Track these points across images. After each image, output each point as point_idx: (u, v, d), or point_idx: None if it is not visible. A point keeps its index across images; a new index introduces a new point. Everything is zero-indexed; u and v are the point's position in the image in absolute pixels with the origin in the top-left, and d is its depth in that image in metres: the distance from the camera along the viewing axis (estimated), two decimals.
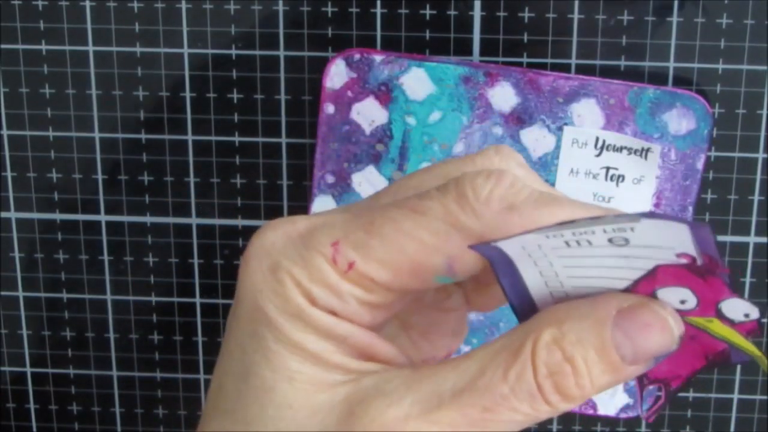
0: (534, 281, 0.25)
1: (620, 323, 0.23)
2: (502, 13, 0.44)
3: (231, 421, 0.25)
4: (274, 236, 0.25)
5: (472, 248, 0.24)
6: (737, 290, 0.23)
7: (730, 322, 0.23)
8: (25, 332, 0.50)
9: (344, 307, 0.25)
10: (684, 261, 0.23)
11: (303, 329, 0.24)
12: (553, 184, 0.45)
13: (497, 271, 0.25)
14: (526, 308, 0.25)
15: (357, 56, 0.44)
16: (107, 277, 0.49)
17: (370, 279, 0.25)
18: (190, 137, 0.47)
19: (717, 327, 0.24)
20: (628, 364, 0.23)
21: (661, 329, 0.23)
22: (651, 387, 0.25)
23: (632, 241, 0.22)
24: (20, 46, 0.46)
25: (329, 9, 0.45)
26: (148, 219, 0.48)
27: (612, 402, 0.47)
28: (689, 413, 0.48)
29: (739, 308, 0.23)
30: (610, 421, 0.48)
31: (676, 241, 0.22)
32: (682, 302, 0.23)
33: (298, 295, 0.24)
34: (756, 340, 0.47)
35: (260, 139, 0.46)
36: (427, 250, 0.24)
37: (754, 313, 0.23)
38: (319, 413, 0.24)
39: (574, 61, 0.44)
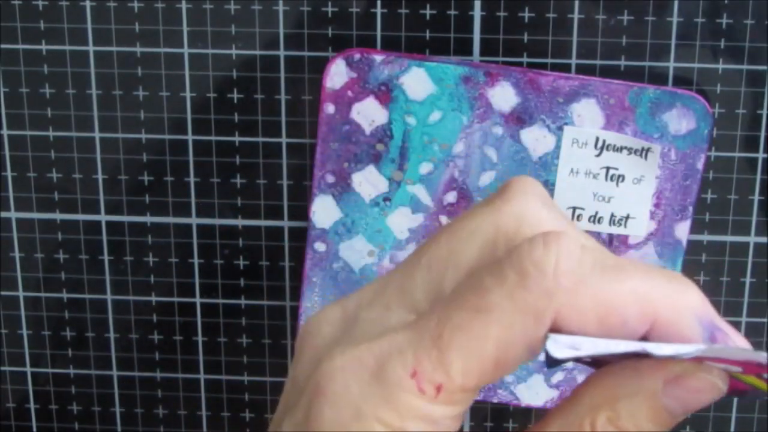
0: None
1: (670, 392, 0.24)
2: (502, 13, 0.44)
3: None
4: (345, 380, 0.24)
5: (554, 365, 0.24)
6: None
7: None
8: (25, 332, 0.50)
9: (438, 428, 0.24)
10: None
11: None
12: (553, 184, 0.45)
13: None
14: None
15: (357, 56, 0.44)
16: (107, 277, 0.49)
17: (459, 391, 0.24)
18: (190, 137, 0.47)
19: (754, 380, 0.25)
20: (677, 418, 0.24)
21: (710, 391, 0.24)
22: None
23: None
24: (20, 46, 0.46)
25: (329, 9, 0.45)
26: (148, 219, 0.48)
27: None
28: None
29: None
30: None
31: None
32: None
33: None
34: (756, 339, 0.48)
35: (260, 139, 0.46)
36: (506, 345, 0.24)
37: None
38: None
39: (574, 61, 0.44)
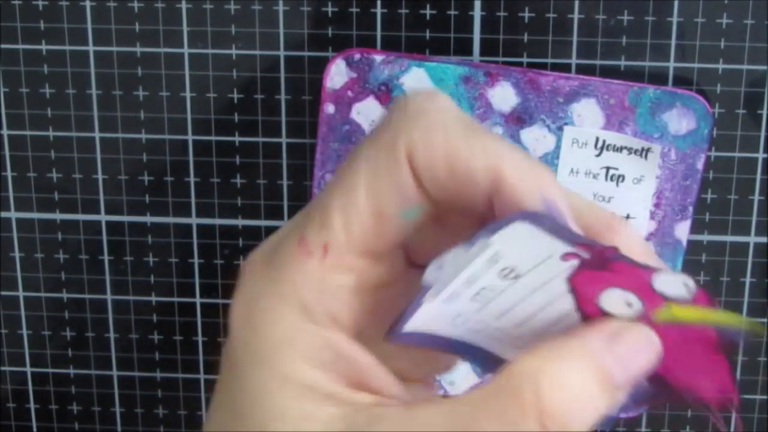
0: (475, 336, 0.25)
1: (611, 352, 0.23)
2: (502, 13, 0.44)
3: None
4: (250, 271, 0.25)
5: (393, 340, 0.24)
6: (636, 263, 0.23)
7: (684, 301, 0.23)
8: (25, 332, 0.50)
9: (338, 304, 0.24)
10: (575, 262, 0.23)
11: (294, 358, 0.24)
12: None
13: (434, 346, 0.25)
14: (481, 358, 0.26)
15: (357, 56, 0.44)
16: (107, 277, 0.49)
17: (346, 251, 0.24)
18: (190, 137, 0.47)
19: (680, 312, 0.24)
20: (622, 386, 0.24)
21: (649, 347, 0.24)
22: (722, 413, 0.26)
23: (517, 269, 0.23)
24: (20, 46, 0.46)
25: (329, 9, 0.45)
26: (148, 219, 0.48)
27: None
28: (689, 413, 0.48)
29: (672, 283, 0.23)
30: (609, 421, 0.48)
31: (542, 246, 0.23)
32: (629, 305, 0.24)
33: (289, 313, 0.24)
34: (756, 340, 0.48)
35: (260, 139, 0.46)
36: (376, 189, 0.24)
37: (689, 280, 0.23)
38: None
39: (574, 61, 0.44)
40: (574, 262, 0.23)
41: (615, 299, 0.23)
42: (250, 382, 0.24)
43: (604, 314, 0.24)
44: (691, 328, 0.24)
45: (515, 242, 0.23)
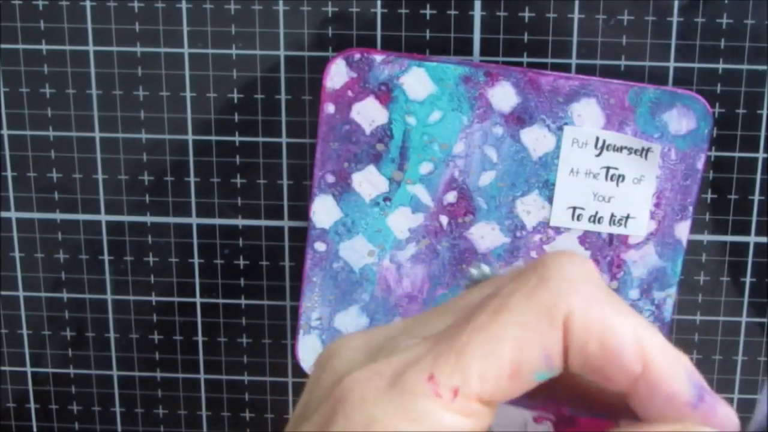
0: None
1: None
2: (502, 13, 0.44)
3: None
4: (362, 391, 0.24)
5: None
6: (595, 414, 0.25)
7: None
8: (25, 332, 0.50)
9: None
10: (549, 423, 0.25)
11: None
12: (553, 184, 0.45)
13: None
14: None
15: (357, 56, 0.44)
16: (107, 277, 0.49)
17: (476, 399, 0.24)
18: (190, 137, 0.47)
19: None
20: None
21: None
22: None
23: None
24: (20, 46, 0.46)
25: (329, 9, 0.45)
26: (148, 219, 0.48)
27: None
28: None
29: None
30: None
31: (512, 416, 0.25)
32: None
33: None
34: (756, 339, 0.48)
35: (260, 139, 0.46)
36: (523, 347, 0.24)
37: None
38: None
39: (574, 60, 0.44)
40: (548, 423, 0.25)
41: None
42: None
43: None
44: None
45: (503, 421, 0.25)
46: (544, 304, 0.24)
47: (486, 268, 0.28)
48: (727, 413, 0.25)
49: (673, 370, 0.24)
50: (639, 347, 0.24)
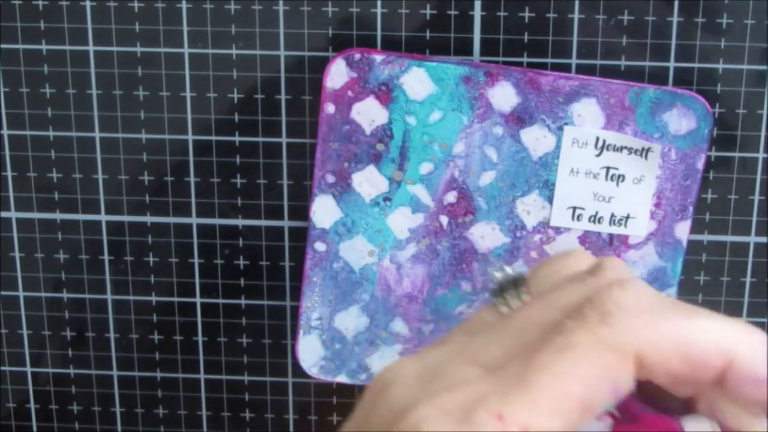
0: None
1: None
2: (502, 13, 0.44)
3: None
4: (431, 421, 0.24)
5: None
6: (661, 411, 0.25)
7: None
8: (25, 332, 0.50)
9: None
10: (610, 420, 0.25)
11: None
12: (553, 184, 0.45)
13: None
14: None
15: (357, 56, 0.44)
16: (107, 277, 0.49)
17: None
18: (190, 137, 0.47)
19: None
20: None
21: None
22: None
23: None
24: (20, 46, 0.46)
25: (329, 9, 0.45)
26: (149, 219, 0.48)
27: None
28: None
29: (699, 426, 0.25)
30: None
31: None
32: None
33: None
34: None
35: (260, 139, 0.46)
36: (591, 383, 0.24)
37: (714, 423, 0.25)
38: None
39: (574, 60, 0.44)
40: (610, 421, 0.25)
41: None
42: None
43: None
44: None
45: None
46: (612, 343, 0.24)
47: (509, 269, 0.28)
48: None
49: (757, 357, 0.25)
50: (720, 346, 0.24)
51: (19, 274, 0.49)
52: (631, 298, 0.24)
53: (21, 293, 0.49)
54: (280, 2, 0.45)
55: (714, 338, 0.24)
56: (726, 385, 0.25)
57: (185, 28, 0.45)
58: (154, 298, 0.49)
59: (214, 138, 0.47)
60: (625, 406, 0.25)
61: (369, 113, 0.44)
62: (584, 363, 0.24)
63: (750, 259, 0.46)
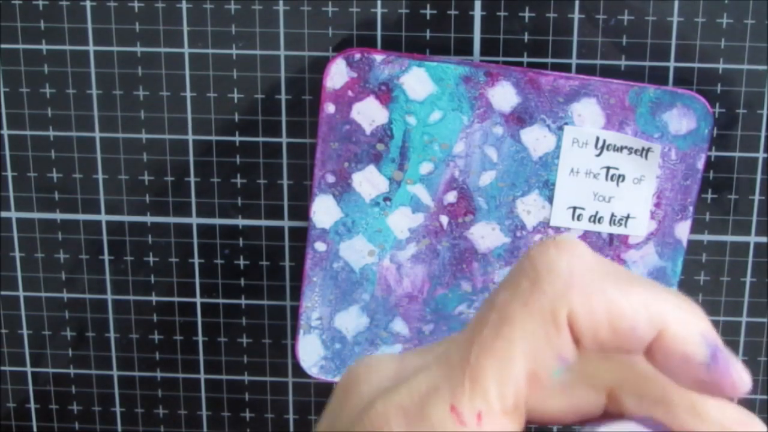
0: None
1: None
2: (502, 13, 0.44)
3: None
4: (389, 420, 0.24)
5: None
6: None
7: None
8: (25, 332, 0.50)
9: None
10: None
11: None
12: (553, 184, 0.45)
13: None
14: None
15: (357, 56, 0.44)
16: (107, 277, 0.49)
17: (501, 415, 0.24)
18: (190, 137, 0.47)
19: None
20: None
21: None
22: None
23: None
24: (20, 46, 0.46)
25: (330, 9, 0.45)
26: (149, 219, 0.48)
27: None
28: None
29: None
30: None
31: None
32: None
33: None
34: (756, 339, 0.48)
35: (260, 139, 0.46)
36: (533, 356, 0.24)
37: None
38: None
39: (574, 60, 0.44)
40: None
41: None
42: None
43: None
44: None
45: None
46: (543, 310, 0.24)
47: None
48: (739, 373, 0.25)
49: (686, 333, 0.24)
50: (650, 318, 0.24)
51: (19, 274, 0.49)
52: (565, 260, 0.24)
53: (21, 293, 0.49)
54: (280, 2, 0.45)
55: (645, 309, 0.24)
56: (655, 360, 0.25)
57: (185, 28, 0.45)
58: (154, 298, 0.49)
59: (214, 138, 0.47)
60: None
61: (369, 113, 0.44)
62: (522, 337, 0.24)
63: (750, 259, 0.46)
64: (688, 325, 0.25)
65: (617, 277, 0.25)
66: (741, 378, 0.25)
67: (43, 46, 0.46)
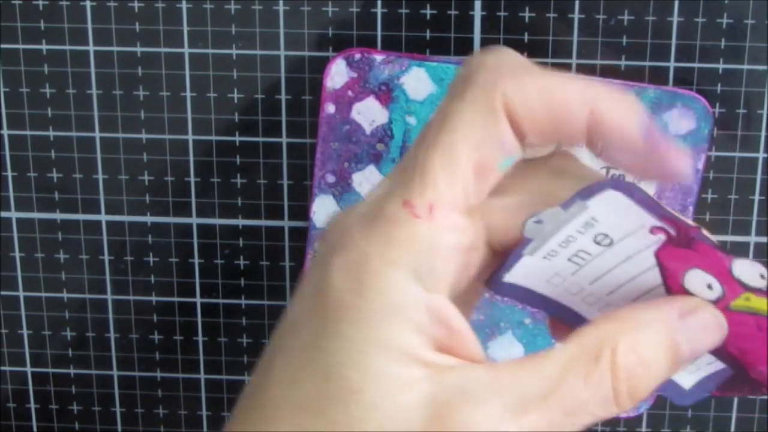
0: (570, 299, 0.27)
1: (683, 326, 0.25)
2: (502, 13, 0.44)
3: (311, 419, 0.24)
4: (349, 234, 0.25)
5: (494, 289, 0.25)
6: (722, 247, 0.25)
7: (760, 291, 0.25)
8: (25, 332, 0.50)
9: (446, 265, 0.25)
10: (662, 236, 0.25)
11: (400, 324, 0.24)
12: None
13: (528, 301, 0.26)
14: (573, 320, 0.27)
15: (357, 56, 0.44)
16: (107, 277, 0.49)
17: (452, 208, 0.25)
18: (190, 137, 0.47)
19: (756, 302, 0.25)
20: (685, 360, 0.26)
21: (717, 329, 0.26)
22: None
23: (610, 235, 0.25)
24: (21, 46, 0.46)
25: (329, 9, 0.45)
26: (149, 219, 0.48)
27: None
28: (689, 413, 0.48)
29: (749, 271, 0.25)
30: (610, 421, 0.48)
31: (633, 217, 0.25)
32: (710, 287, 0.26)
33: (398, 275, 0.24)
34: None
35: (261, 139, 0.46)
36: (476, 144, 0.25)
37: (764, 270, 0.25)
38: (403, 413, 0.24)
39: (574, 60, 0.44)
40: (662, 237, 0.25)
41: (698, 281, 0.26)
42: (347, 344, 0.24)
43: (687, 293, 0.26)
44: (764, 318, 0.26)
45: (609, 209, 0.24)
46: (480, 99, 0.25)
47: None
48: (678, 155, 0.26)
49: (618, 107, 0.25)
50: (582, 98, 0.25)
51: (19, 274, 0.49)
52: (494, 56, 0.25)
53: (21, 293, 0.49)
54: (280, 2, 0.45)
55: (575, 89, 0.25)
56: (595, 146, 0.26)
57: (185, 28, 0.45)
58: (154, 298, 0.49)
59: (214, 138, 0.47)
60: (683, 230, 0.25)
61: (369, 113, 0.44)
62: (462, 128, 0.25)
63: (750, 259, 0.46)
64: (620, 102, 0.25)
65: (553, 72, 0.25)
66: (680, 162, 0.26)
67: (43, 46, 0.46)
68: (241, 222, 0.48)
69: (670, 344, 0.25)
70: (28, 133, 0.47)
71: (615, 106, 0.25)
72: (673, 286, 0.26)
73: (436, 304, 0.24)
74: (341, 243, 0.25)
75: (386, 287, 0.24)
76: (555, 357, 0.24)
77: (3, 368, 0.50)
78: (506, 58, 0.26)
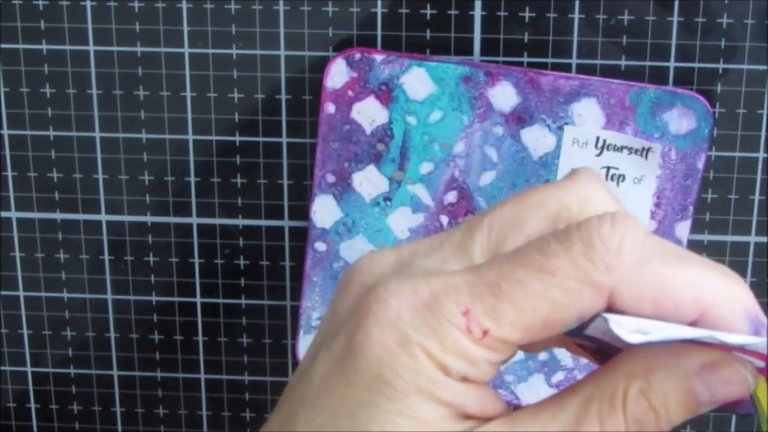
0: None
1: (703, 377, 0.25)
2: (502, 13, 0.44)
3: None
4: (398, 306, 0.25)
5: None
6: None
7: None
8: (25, 332, 0.50)
9: (476, 372, 0.25)
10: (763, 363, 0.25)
11: (430, 402, 0.24)
12: None
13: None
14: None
15: (357, 56, 0.44)
16: (108, 277, 0.49)
17: (503, 342, 0.25)
18: (190, 137, 0.47)
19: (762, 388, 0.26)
20: (703, 407, 0.25)
21: (740, 384, 0.26)
22: None
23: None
24: (21, 46, 0.46)
25: (330, 9, 0.45)
26: (149, 218, 0.48)
27: None
28: None
29: None
30: None
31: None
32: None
33: (431, 367, 0.24)
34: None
35: (261, 139, 0.46)
36: (560, 309, 0.24)
37: None
38: None
39: (574, 60, 0.44)
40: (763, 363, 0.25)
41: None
42: (378, 414, 0.25)
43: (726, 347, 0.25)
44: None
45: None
46: (589, 276, 0.24)
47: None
48: None
49: (730, 313, 0.25)
50: (694, 299, 0.25)
51: (19, 274, 0.49)
52: (618, 237, 0.25)
53: (21, 293, 0.49)
54: (280, 2, 0.45)
55: (690, 288, 0.25)
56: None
57: (185, 28, 0.45)
58: (154, 298, 0.49)
59: (214, 138, 0.47)
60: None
61: (369, 113, 0.44)
62: (558, 289, 0.24)
63: (750, 259, 0.46)
64: (732, 302, 0.25)
65: (666, 253, 0.25)
66: None
67: (43, 46, 0.46)
68: (241, 222, 0.48)
69: (687, 392, 0.25)
70: (28, 133, 0.47)
71: (727, 312, 0.25)
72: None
73: (461, 392, 0.25)
74: (384, 313, 0.25)
75: (427, 372, 0.24)
76: (569, 400, 0.25)
77: (3, 368, 0.50)
78: (629, 239, 0.25)
